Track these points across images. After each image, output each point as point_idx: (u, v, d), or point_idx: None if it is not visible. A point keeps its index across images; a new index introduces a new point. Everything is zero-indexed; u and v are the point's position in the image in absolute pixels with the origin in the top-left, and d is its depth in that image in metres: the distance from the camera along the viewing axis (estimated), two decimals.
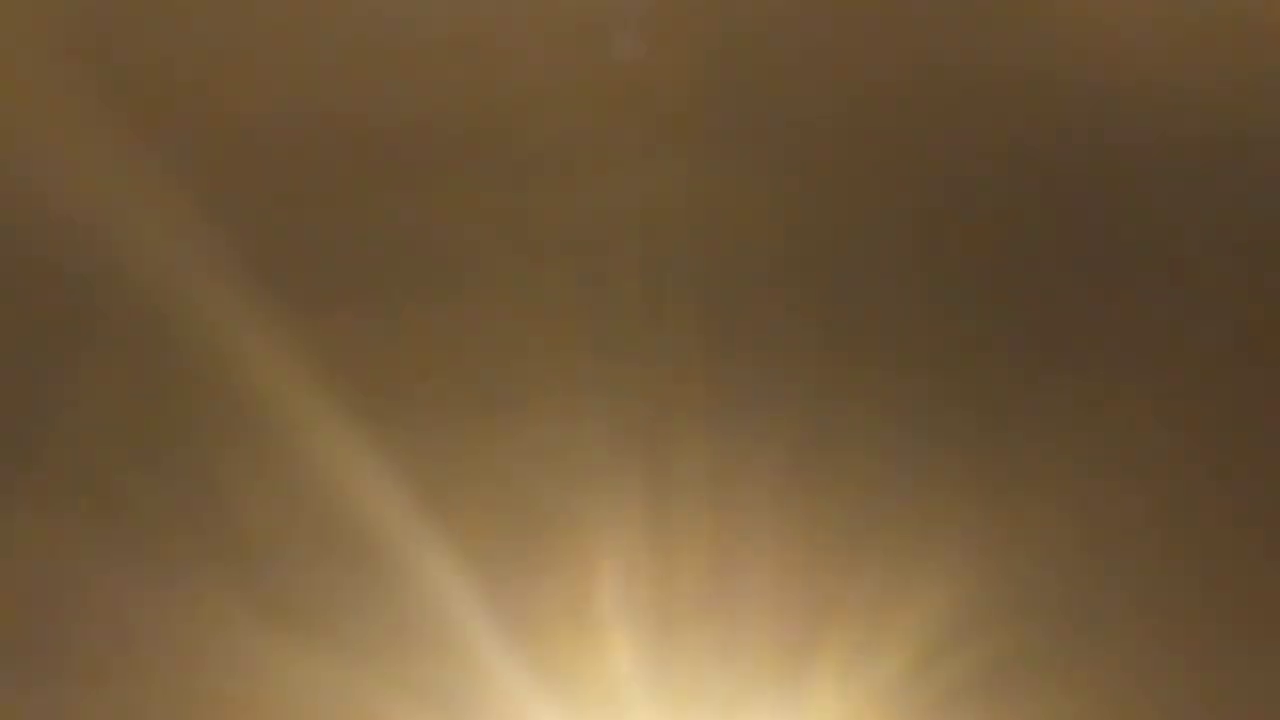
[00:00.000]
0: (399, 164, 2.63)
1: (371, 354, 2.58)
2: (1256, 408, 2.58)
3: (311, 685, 2.50)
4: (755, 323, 2.58)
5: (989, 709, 2.48)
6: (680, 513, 2.53)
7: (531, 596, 2.53)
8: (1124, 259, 2.62)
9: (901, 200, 2.63)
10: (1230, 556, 2.54)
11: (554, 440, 2.56)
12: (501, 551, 2.53)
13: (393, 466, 2.55)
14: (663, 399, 2.56)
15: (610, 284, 2.60)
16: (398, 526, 2.54)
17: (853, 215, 2.61)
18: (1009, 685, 2.49)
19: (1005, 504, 2.54)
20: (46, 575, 2.54)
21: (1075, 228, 2.62)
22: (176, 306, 2.58)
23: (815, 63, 2.66)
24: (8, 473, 2.56)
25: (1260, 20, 2.64)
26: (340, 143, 2.64)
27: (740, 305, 2.59)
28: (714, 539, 2.53)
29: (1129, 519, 2.53)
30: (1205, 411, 2.57)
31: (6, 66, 2.63)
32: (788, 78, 2.65)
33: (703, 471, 2.54)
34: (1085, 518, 2.53)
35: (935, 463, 2.54)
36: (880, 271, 2.60)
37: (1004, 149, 2.63)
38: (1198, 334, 2.60)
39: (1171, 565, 2.53)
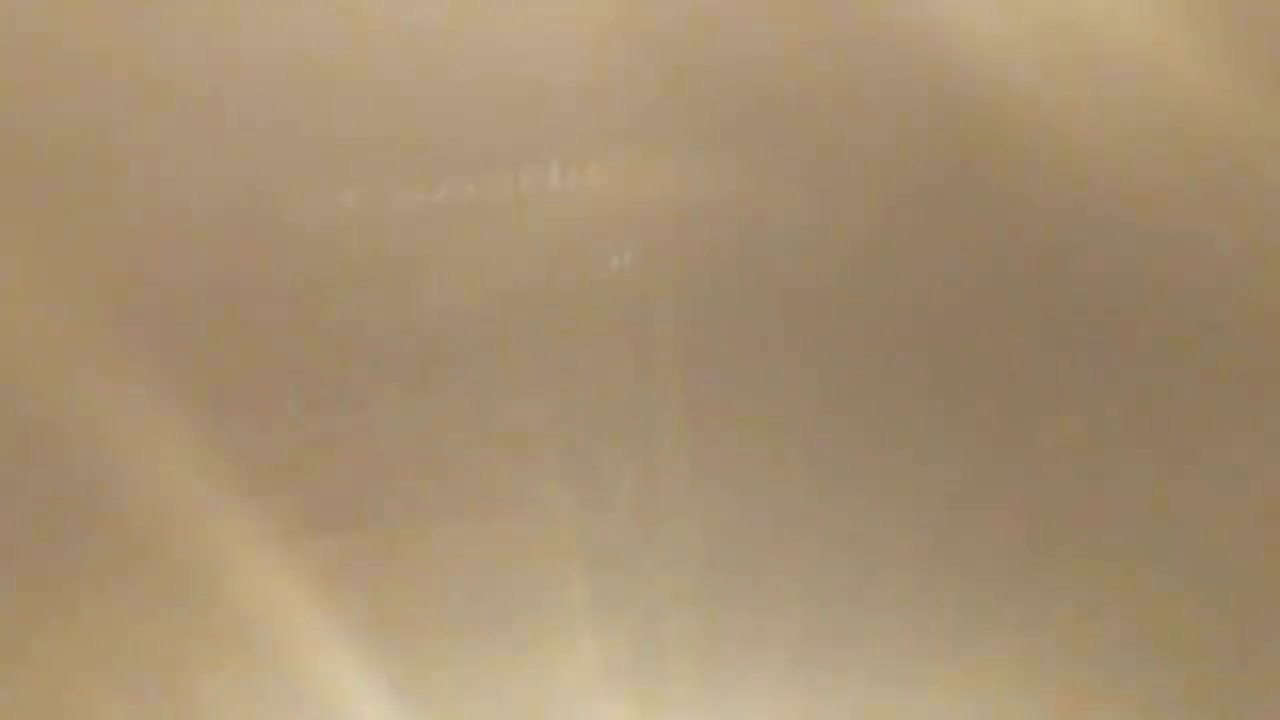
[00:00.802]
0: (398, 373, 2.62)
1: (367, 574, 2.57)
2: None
3: None
4: (754, 580, 2.57)
5: None
6: None
7: None
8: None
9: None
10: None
11: (553, 657, 2.54)
12: None
13: (388, 688, 2.53)
14: (658, 617, 2.56)
15: (605, 500, 2.59)
16: None
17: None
18: None
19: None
20: None
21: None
22: (165, 524, 2.56)
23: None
24: None
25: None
26: (342, 354, 2.62)
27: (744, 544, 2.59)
28: None
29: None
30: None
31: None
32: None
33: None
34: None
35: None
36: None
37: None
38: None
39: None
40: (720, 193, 2.61)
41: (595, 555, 2.57)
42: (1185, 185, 2.61)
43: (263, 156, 2.62)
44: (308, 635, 2.54)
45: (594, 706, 2.55)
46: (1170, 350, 2.60)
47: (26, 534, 2.58)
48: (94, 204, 2.63)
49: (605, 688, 2.55)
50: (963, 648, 2.54)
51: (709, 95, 2.61)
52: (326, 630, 2.54)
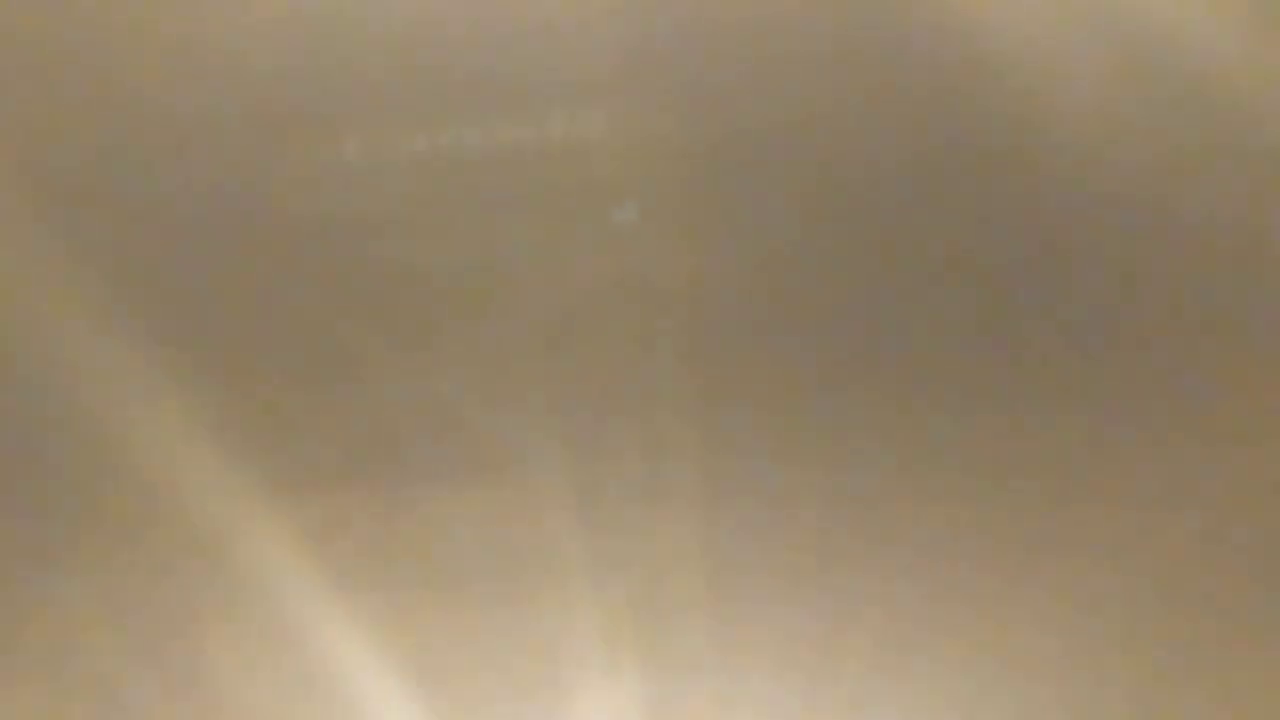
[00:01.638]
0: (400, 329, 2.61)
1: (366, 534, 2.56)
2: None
3: None
4: (757, 542, 2.56)
5: None
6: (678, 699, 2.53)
7: None
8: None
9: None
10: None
11: (554, 618, 2.54)
12: None
13: (388, 649, 2.52)
14: (660, 581, 2.55)
15: (607, 463, 2.58)
16: (394, 711, 2.51)
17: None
18: None
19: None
20: None
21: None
22: (170, 485, 2.56)
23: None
24: None
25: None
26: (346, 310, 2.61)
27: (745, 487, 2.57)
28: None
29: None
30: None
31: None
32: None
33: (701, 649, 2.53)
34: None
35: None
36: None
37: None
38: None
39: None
40: (726, 142, 2.60)
41: (596, 516, 2.57)
42: (1203, 156, 2.59)
43: (261, 109, 2.63)
44: (311, 593, 2.54)
45: (594, 667, 2.54)
46: (1182, 335, 2.57)
47: (32, 496, 2.59)
48: (96, 140, 2.65)
49: (606, 648, 2.54)
50: (971, 613, 2.52)
51: (714, 48, 2.62)
52: (328, 588, 2.53)
